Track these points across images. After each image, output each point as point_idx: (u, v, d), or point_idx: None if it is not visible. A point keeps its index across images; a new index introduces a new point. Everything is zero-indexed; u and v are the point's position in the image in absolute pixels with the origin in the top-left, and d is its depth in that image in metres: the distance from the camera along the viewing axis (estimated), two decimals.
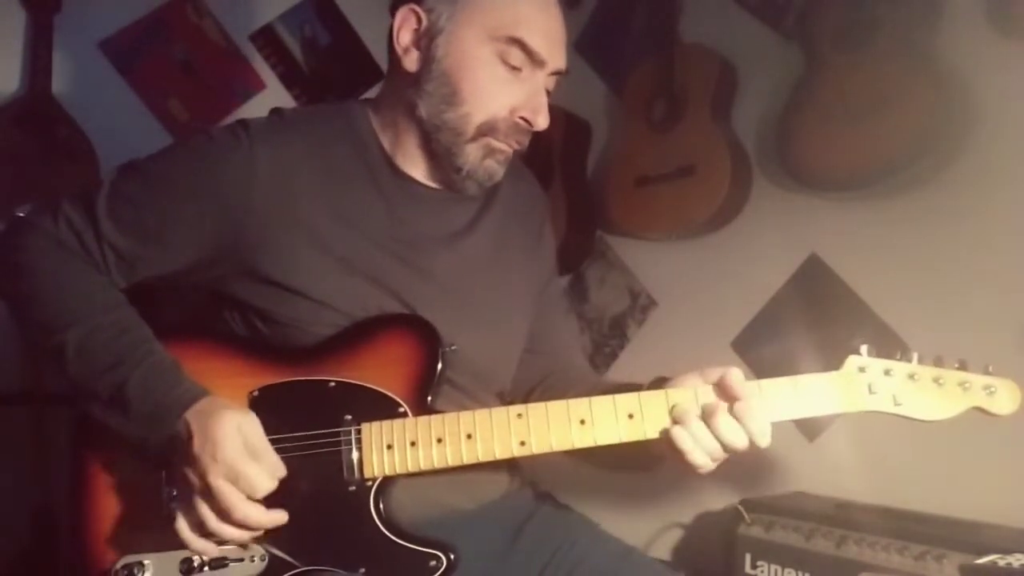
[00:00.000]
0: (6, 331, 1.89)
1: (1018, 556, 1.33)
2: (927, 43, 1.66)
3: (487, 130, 1.12)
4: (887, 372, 1.03)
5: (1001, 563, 1.33)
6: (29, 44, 1.93)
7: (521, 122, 1.13)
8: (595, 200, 2.28)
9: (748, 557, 1.65)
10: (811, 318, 1.87)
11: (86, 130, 1.98)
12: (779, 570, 1.60)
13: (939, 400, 1.02)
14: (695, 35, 2.07)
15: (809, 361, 1.96)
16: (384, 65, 1.24)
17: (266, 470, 1.01)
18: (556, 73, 1.15)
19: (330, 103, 1.20)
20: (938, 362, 1.04)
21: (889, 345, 1.07)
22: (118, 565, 1.07)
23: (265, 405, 1.07)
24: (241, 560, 1.04)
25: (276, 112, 1.20)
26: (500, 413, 1.04)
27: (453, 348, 1.10)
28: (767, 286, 1.96)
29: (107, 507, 1.11)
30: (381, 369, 1.08)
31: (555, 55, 1.13)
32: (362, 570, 1.04)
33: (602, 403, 1.03)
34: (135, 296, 1.14)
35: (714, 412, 0.99)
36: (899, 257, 1.75)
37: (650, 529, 2.09)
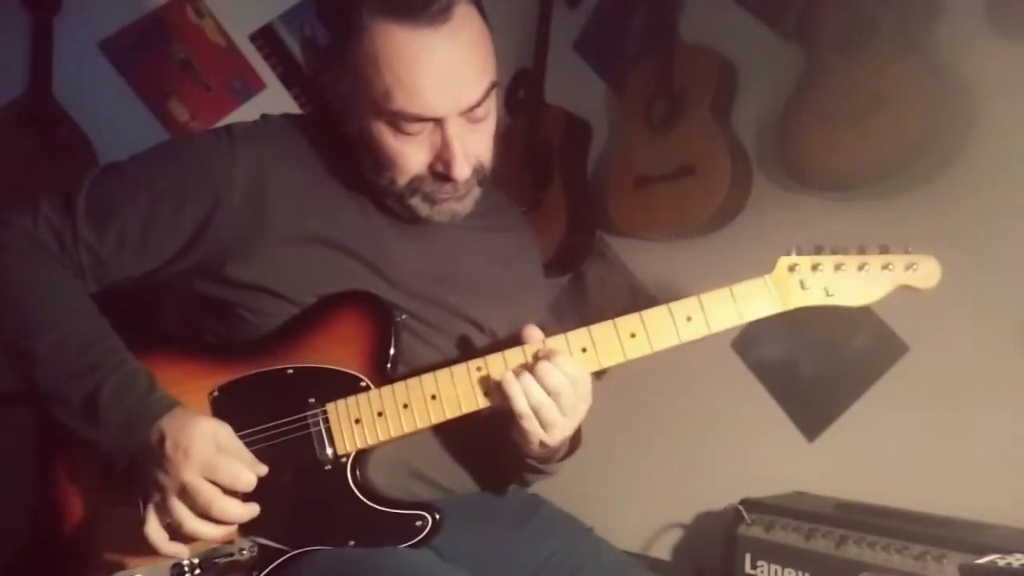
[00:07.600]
0: None
1: (1018, 556, 1.33)
2: (927, 43, 1.66)
3: (417, 187, 1.08)
4: (815, 267, 1.08)
5: (1001, 563, 1.33)
6: (29, 44, 1.94)
7: (441, 175, 1.07)
8: (595, 200, 2.28)
9: (748, 557, 1.65)
10: (811, 318, 1.87)
11: (86, 130, 1.98)
12: (779, 570, 1.60)
13: (867, 284, 1.08)
14: (695, 35, 2.07)
15: (809, 360, 1.98)
16: None
17: (245, 463, 1.01)
18: (468, 110, 1.04)
19: (321, 111, 1.17)
20: (861, 250, 1.08)
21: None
22: None
23: (227, 403, 1.06)
24: (231, 555, 1.03)
25: (263, 117, 1.19)
26: (460, 369, 1.04)
27: (403, 317, 1.10)
28: None
29: (87, 520, 1.08)
30: (336, 349, 1.07)
31: (448, 102, 1.02)
32: (351, 543, 1.04)
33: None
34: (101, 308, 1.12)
35: (540, 359, 1.02)
36: None
37: (650, 529, 2.09)
